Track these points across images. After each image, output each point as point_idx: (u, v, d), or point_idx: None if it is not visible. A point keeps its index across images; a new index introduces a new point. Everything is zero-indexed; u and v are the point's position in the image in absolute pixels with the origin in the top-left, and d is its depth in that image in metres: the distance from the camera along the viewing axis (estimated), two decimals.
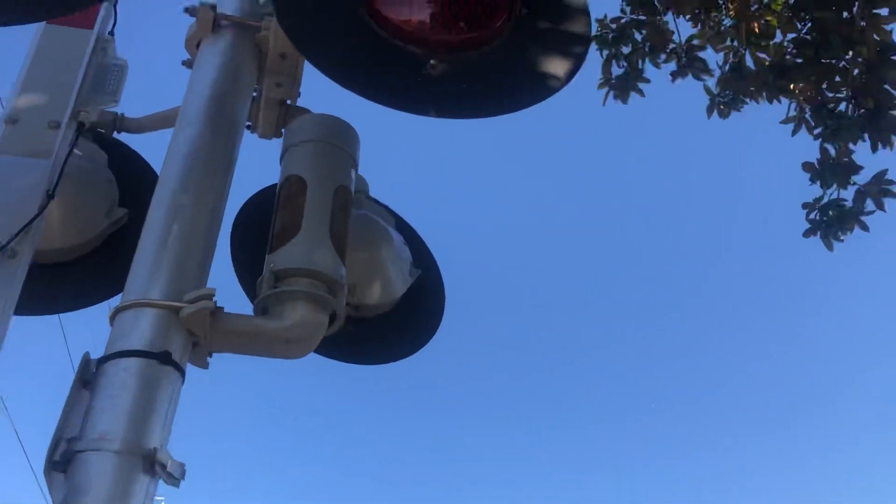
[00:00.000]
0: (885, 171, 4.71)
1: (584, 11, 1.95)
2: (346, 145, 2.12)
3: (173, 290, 1.75)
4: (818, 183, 4.92)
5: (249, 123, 2.38)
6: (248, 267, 2.26)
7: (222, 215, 1.98)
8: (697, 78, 5.27)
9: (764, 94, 4.94)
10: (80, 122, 2.18)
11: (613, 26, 5.29)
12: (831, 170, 4.83)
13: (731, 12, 5.08)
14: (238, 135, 2.12)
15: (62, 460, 1.54)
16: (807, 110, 4.90)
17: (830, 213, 4.87)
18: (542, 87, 1.97)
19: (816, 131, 4.87)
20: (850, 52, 4.53)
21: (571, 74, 1.96)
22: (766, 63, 4.93)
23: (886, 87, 4.52)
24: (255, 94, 2.33)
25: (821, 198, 4.92)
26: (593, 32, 5.31)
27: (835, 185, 4.87)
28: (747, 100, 5.22)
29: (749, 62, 5.08)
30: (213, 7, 2.22)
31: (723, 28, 5.15)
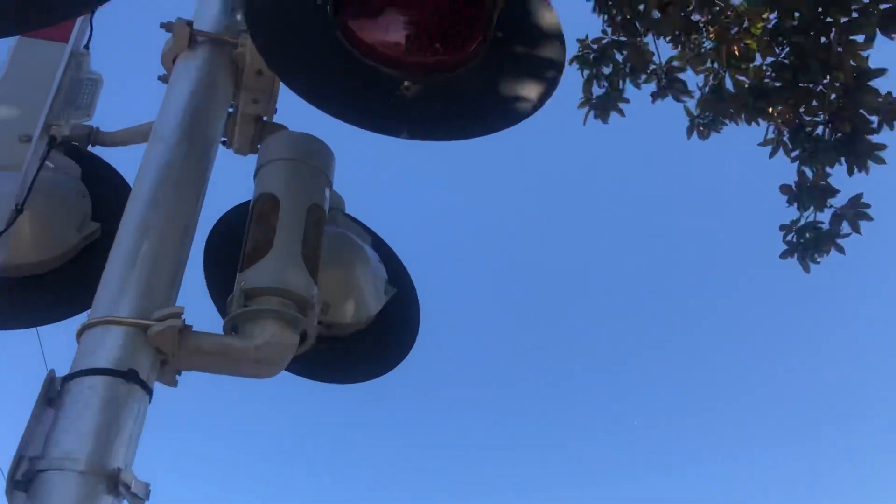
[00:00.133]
0: (860, 195, 4.76)
1: (559, 36, 1.96)
2: (320, 163, 2.12)
3: (142, 308, 1.74)
4: (795, 205, 4.96)
5: (225, 139, 2.38)
6: (220, 284, 2.24)
7: (194, 232, 1.97)
8: (677, 99, 5.31)
9: (743, 116, 4.99)
10: (52, 136, 2.17)
11: (595, 46, 5.33)
12: (808, 192, 4.87)
13: (711, 35, 5.13)
14: (212, 151, 2.11)
15: (24, 479, 1.52)
16: (785, 133, 4.95)
17: (808, 235, 4.92)
18: (515, 111, 1.98)
19: (794, 154, 4.92)
20: (828, 77, 4.59)
21: (544, 99, 1.97)
22: (746, 85, 4.98)
23: (862, 111, 4.58)
24: (231, 109, 2.33)
25: (798, 220, 4.97)
26: (575, 52, 5.36)
27: (812, 208, 4.92)
28: (726, 121, 5.27)
29: (729, 84, 5.14)
30: (190, 23, 2.23)
31: (703, 50, 5.20)
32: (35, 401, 1.62)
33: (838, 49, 4.47)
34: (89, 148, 2.39)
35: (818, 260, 4.90)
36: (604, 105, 5.39)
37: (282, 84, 2.30)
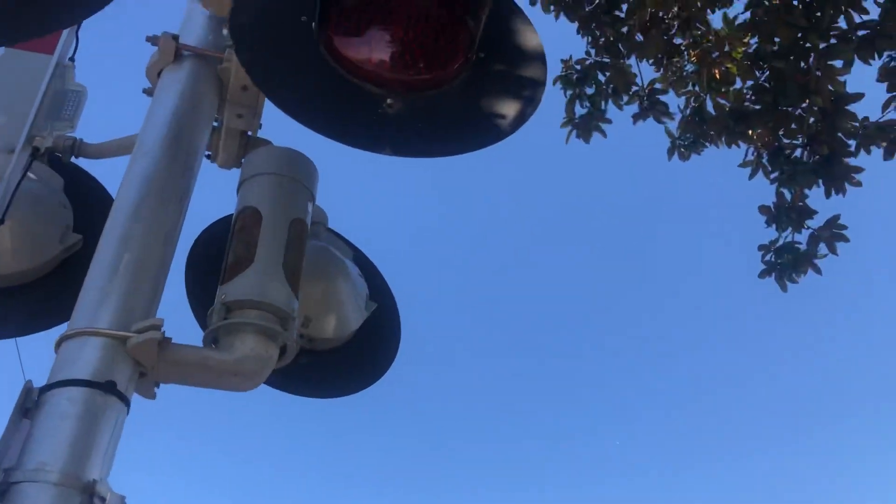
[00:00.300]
0: (837, 217, 4.84)
1: (540, 57, 1.99)
2: (303, 178, 2.13)
3: (121, 320, 1.74)
4: (774, 226, 5.03)
5: (210, 153, 2.38)
6: (202, 297, 2.24)
7: (175, 244, 1.97)
8: (659, 121, 5.39)
9: (723, 138, 5.06)
10: (35, 147, 2.17)
11: (578, 67, 5.40)
12: (787, 213, 4.94)
13: (692, 58, 5.21)
14: (195, 164, 2.12)
15: None
16: (764, 155, 5.03)
17: (786, 255, 4.98)
18: (496, 129, 2.01)
19: (773, 175, 5.00)
20: (807, 101, 4.67)
21: (525, 117, 2.00)
22: (726, 108, 5.06)
23: (840, 135, 4.66)
24: (215, 124, 2.34)
25: (776, 240, 5.04)
26: (558, 72, 5.41)
27: (790, 229, 4.99)
28: (707, 143, 5.34)
29: (709, 107, 5.22)
30: (176, 37, 2.24)
31: (685, 73, 5.28)
32: (11, 411, 1.62)
33: (817, 74, 4.55)
34: (73, 160, 2.39)
35: (796, 280, 4.97)
36: (586, 125, 5.45)
37: (265, 100, 2.32)
